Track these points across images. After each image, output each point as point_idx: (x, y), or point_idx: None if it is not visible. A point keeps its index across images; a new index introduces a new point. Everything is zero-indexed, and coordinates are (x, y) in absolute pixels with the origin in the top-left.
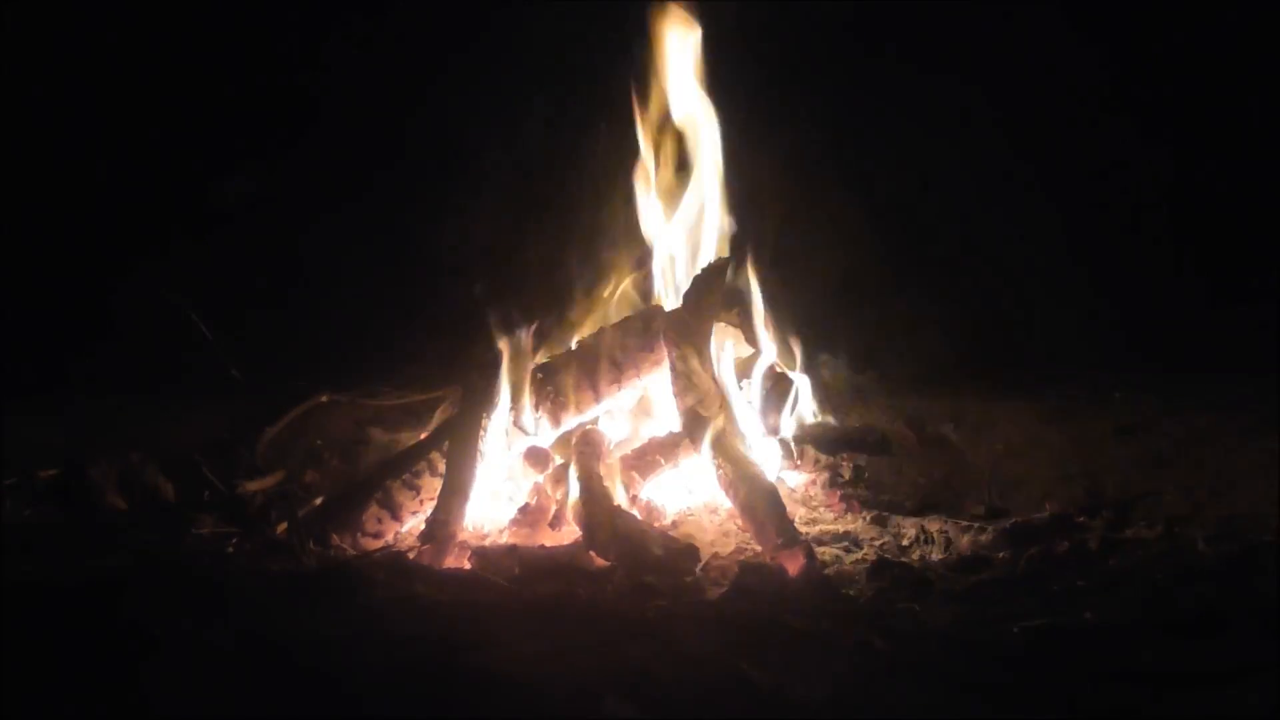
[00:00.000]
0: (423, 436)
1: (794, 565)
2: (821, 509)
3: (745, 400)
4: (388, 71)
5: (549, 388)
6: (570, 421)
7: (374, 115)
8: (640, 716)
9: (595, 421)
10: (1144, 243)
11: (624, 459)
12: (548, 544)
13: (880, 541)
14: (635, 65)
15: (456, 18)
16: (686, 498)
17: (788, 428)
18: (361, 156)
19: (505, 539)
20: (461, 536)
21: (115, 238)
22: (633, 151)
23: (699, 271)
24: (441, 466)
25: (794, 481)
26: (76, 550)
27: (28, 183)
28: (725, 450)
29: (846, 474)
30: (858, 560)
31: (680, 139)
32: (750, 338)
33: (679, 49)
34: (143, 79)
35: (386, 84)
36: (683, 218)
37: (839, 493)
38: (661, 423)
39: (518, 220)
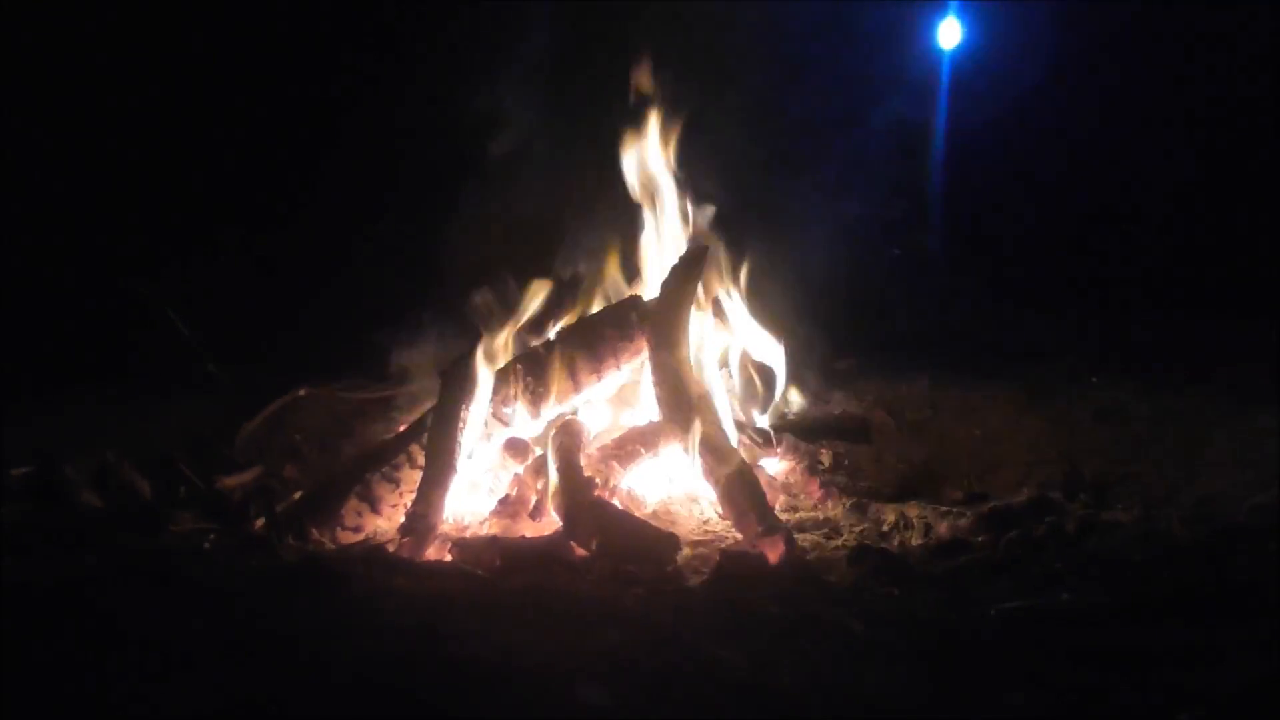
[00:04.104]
0: (401, 429)
1: (774, 552)
2: (801, 496)
3: (724, 388)
4: (373, 70)
5: (528, 378)
6: (550, 412)
7: (358, 113)
8: (620, 704)
9: (575, 411)
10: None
11: (604, 448)
12: (528, 535)
13: (860, 528)
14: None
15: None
16: (667, 486)
17: (767, 416)
18: (342, 154)
19: (486, 530)
20: (442, 528)
21: (93, 236)
22: (618, 144)
23: (677, 260)
24: (421, 459)
25: (774, 469)
26: (51, 549)
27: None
28: (705, 439)
29: (826, 461)
30: (838, 546)
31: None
32: (729, 326)
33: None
34: (133, 79)
35: (371, 83)
36: (665, 209)
37: (819, 480)
38: (641, 412)
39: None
